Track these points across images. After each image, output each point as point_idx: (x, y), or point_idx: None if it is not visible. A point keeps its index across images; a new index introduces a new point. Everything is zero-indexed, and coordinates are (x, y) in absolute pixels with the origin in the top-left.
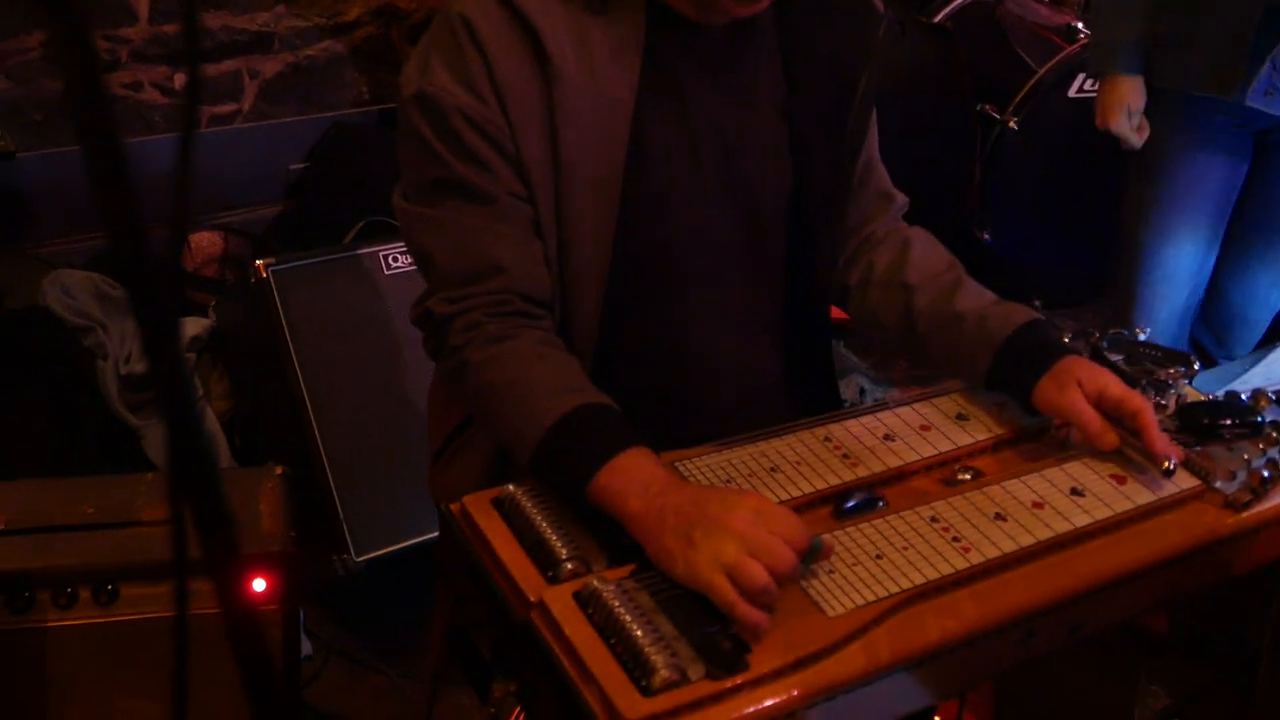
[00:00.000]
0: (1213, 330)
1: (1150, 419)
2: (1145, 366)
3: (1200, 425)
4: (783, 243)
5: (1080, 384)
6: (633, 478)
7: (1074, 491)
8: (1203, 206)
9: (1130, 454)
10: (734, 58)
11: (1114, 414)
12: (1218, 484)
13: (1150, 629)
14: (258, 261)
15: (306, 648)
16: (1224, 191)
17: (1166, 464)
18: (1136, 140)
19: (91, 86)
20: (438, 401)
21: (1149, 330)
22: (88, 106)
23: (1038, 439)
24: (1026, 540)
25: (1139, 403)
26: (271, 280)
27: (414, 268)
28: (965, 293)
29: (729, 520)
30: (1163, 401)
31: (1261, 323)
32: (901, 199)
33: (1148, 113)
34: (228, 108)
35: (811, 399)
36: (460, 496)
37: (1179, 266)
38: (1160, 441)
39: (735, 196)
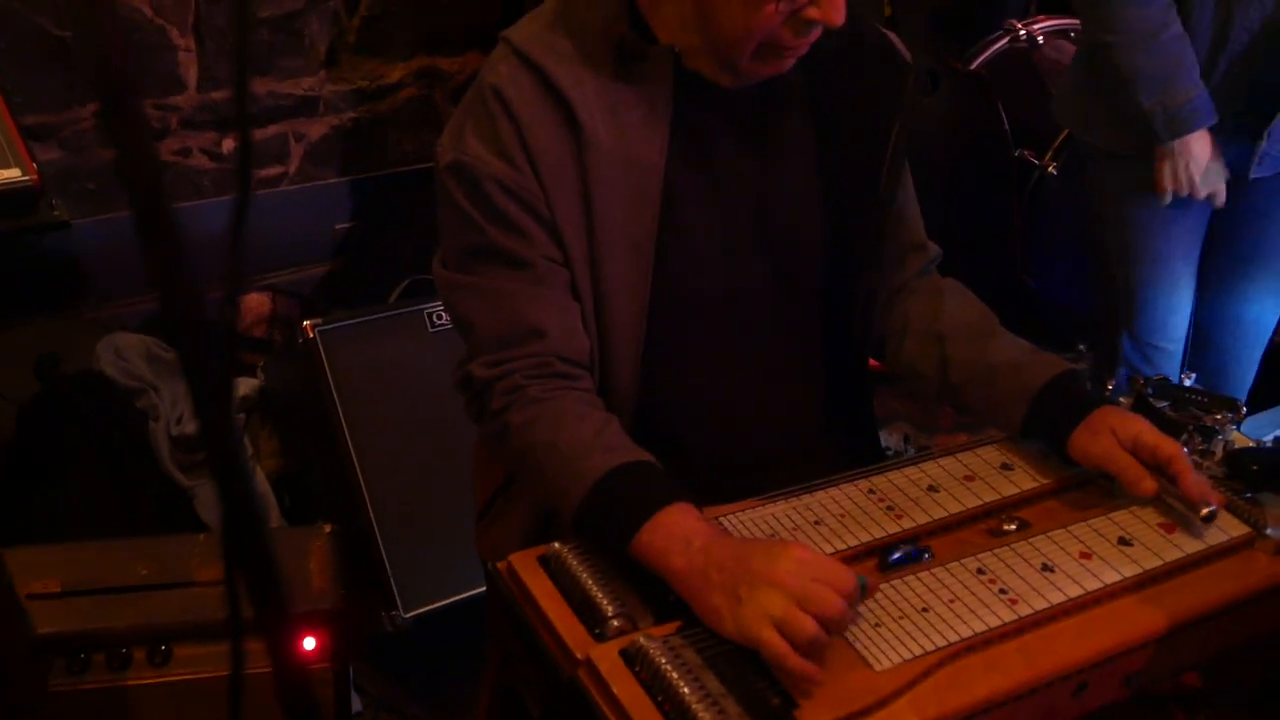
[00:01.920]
0: (1206, 379)
1: (1185, 464)
2: (1192, 412)
3: (1249, 471)
4: (818, 295)
5: (1114, 431)
6: (674, 534)
7: (1122, 541)
8: (1176, 249)
9: (1170, 501)
10: (762, 116)
11: (1150, 461)
12: (1268, 531)
13: (1183, 680)
14: (305, 322)
15: (356, 704)
16: (1194, 233)
17: (1205, 510)
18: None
19: (142, 155)
20: (481, 461)
21: (1194, 376)
22: (138, 175)
23: (1084, 488)
24: (1075, 591)
25: (1173, 449)
26: (319, 340)
27: None
28: (1000, 343)
29: (774, 573)
30: (1210, 448)
31: (1253, 360)
32: (935, 250)
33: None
34: (274, 170)
35: (853, 450)
36: (505, 554)
37: (1169, 314)
38: (1197, 487)
39: (768, 252)
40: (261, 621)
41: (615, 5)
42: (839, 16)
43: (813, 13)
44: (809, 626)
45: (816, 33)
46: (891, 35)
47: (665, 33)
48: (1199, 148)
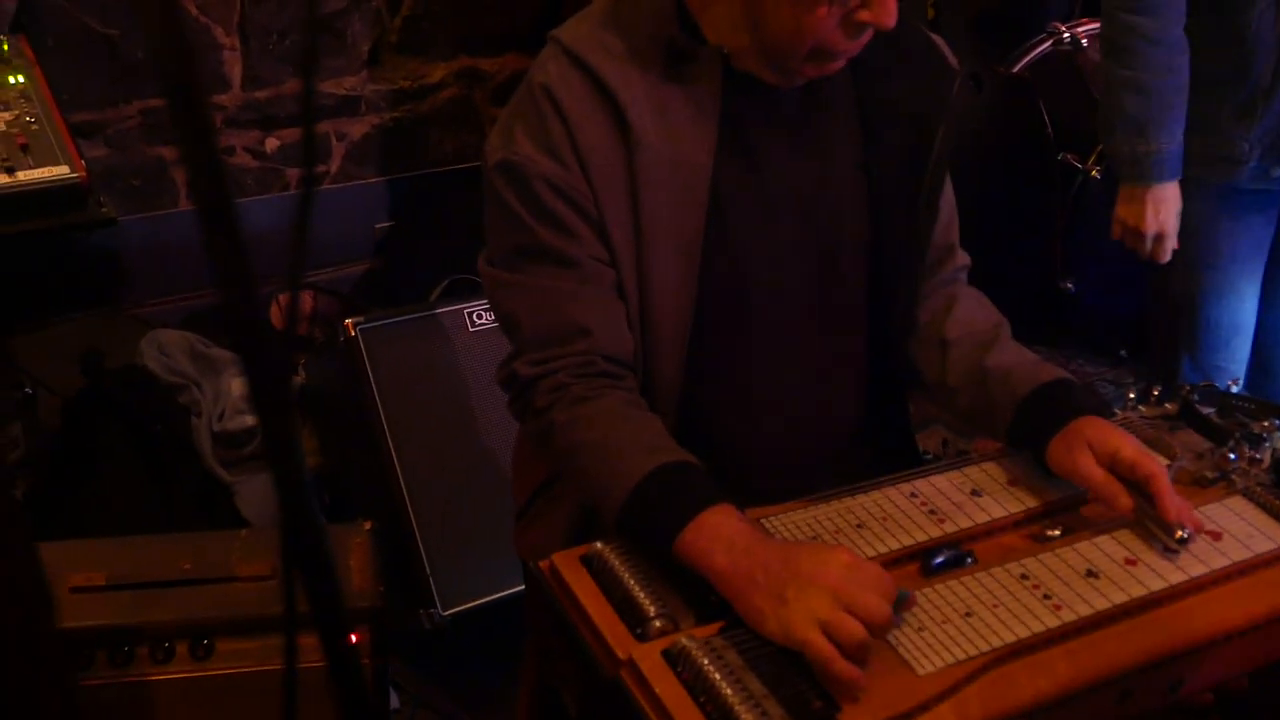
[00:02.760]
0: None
1: (1163, 485)
2: (1238, 419)
3: None
4: (861, 295)
5: (1090, 446)
6: (718, 534)
7: (1169, 547)
8: (1240, 260)
9: (1147, 523)
10: (809, 117)
11: (1129, 479)
12: None
13: (1229, 686)
14: (347, 320)
15: (394, 702)
16: (1258, 250)
17: (1180, 533)
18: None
19: (206, 151)
20: (521, 460)
21: (1239, 382)
22: (202, 170)
23: (1130, 494)
24: (1120, 598)
25: (1153, 467)
26: (360, 338)
27: (497, 325)
28: (999, 350)
29: (821, 576)
30: (1257, 455)
31: None
32: (964, 258)
33: None
34: (316, 169)
35: (890, 451)
36: (544, 554)
37: (1232, 333)
38: (1174, 509)
39: (812, 252)
40: (317, 616)
41: (666, 6)
42: (890, 19)
43: (864, 15)
44: (855, 630)
45: (868, 35)
46: (938, 39)
47: (714, 33)
48: (1170, 193)
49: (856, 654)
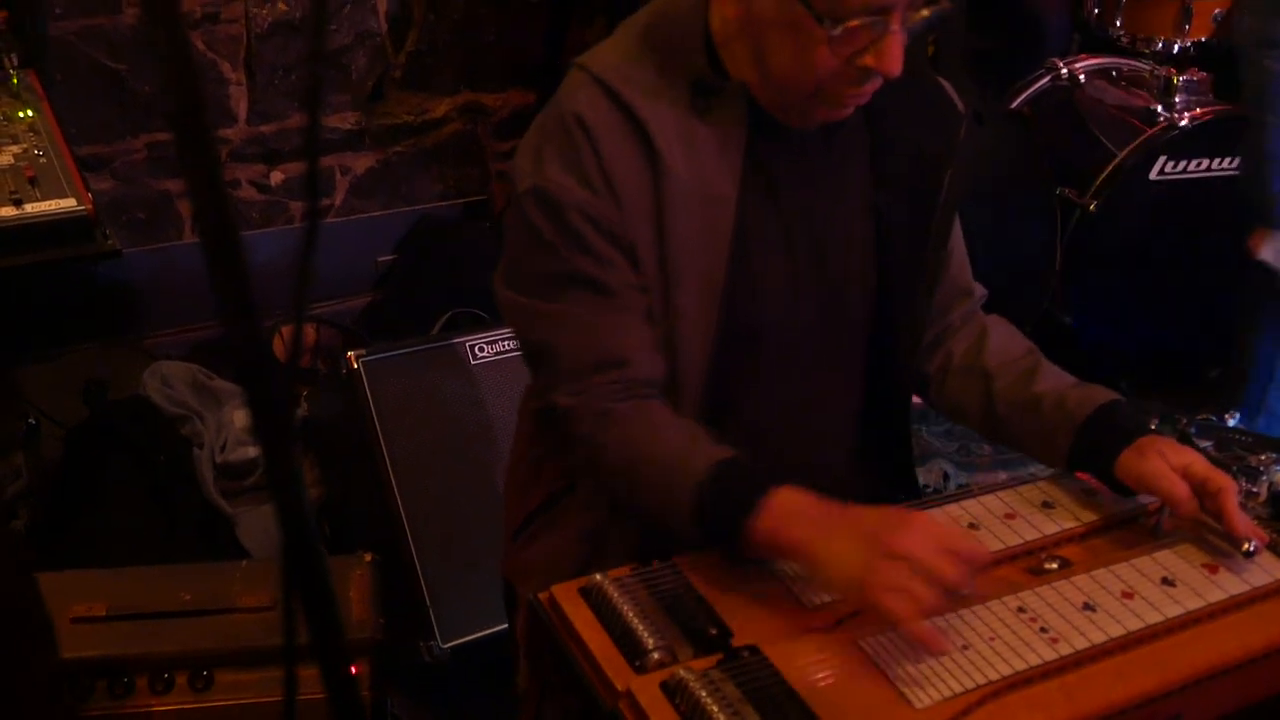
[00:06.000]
0: None
1: (1233, 499)
2: (1236, 452)
3: None
4: (864, 333)
5: (1163, 456)
6: (788, 511)
7: (1165, 581)
8: None
9: (1210, 537)
10: (826, 156)
11: (1198, 491)
12: None
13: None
14: (349, 353)
15: None
16: None
17: (1246, 545)
18: None
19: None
20: (516, 483)
21: (1237, 416)
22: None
23: (1126, 527)
24: (1116, 631)
25: (1224, 481)
26: (362, 371)
27: (500, 357)
28: (1044, 375)
29: (900, 540)
30: (1255, 489)
31: None
32: (980, 292)
33: None
34: (320, 203)
35: (888, 483)
36: (534, 576)
37: None
38: (1241, 523)
39: (823, 288)
40: (318, 646)
41: (694, 40)
42: (896, 67)
43: (869, 60)
44: (924, 595)
45: (876, 83)
46: (945, 82)
47: (735, 69)
48: None
49: (928, 614)
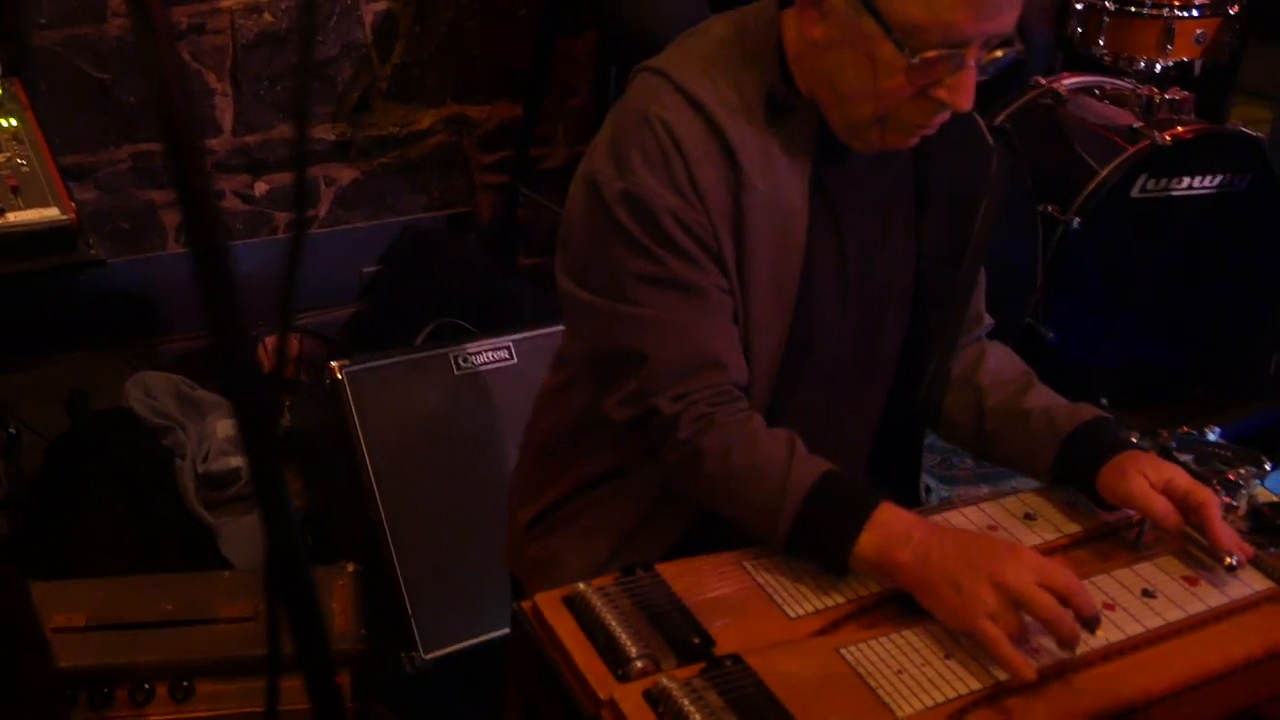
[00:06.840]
0: None
1: (1216, 512)
2: (1215, 466)
3: (1273, 526)
4: (895, 351)
5: (1145, 473)
6: (893, 531)
7: (1145, 593)
8: None
9: (1194, 551)
10: (877, 176)
11: (1180, 506)
12: None
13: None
14: (332, 363)
15: None
16: None
17: (1229, 559)
18: None
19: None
20: (533, 476)
21: (1218, 430)
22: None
23: (1107, 540)
24: (1097, 642)
25: (1206, 495)
26: (346, 381)
27: (484, 368)
28: (1034, 393)
29: (994, 568)
30: (1234, 502)
31: None
32: (989, 321)
33: None
34: (306, 214)
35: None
36: (547, 570)
37: None
38: (1225, 536)
39: (864, 305)
40: (302, 655)
41: (768, 54)
42: (967, 102)
43: (942, 93)
44: (1014, 624)
45: (944, 116)
46: (978, 117)
47: (806, 85)
48: None
49: (1023, 644)
